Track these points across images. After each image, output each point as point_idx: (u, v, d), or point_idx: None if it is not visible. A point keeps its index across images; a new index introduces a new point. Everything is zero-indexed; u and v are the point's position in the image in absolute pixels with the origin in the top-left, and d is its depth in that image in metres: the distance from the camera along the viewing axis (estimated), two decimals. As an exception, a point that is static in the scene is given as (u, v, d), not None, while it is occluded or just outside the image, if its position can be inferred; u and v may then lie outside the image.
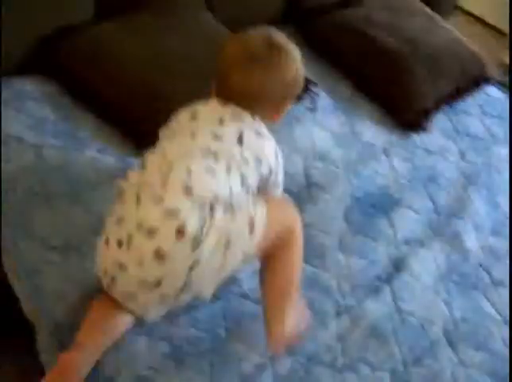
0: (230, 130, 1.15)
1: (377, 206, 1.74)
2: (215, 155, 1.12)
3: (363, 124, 1.98)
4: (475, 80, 2.20)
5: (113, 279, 1.12)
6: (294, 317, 1.26)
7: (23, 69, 1.62)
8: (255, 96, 1.16)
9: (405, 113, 2.02)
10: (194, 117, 1.19)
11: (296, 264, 1.28)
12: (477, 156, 2.01)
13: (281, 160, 1.30)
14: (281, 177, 1.31)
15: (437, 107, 2.08)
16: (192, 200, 1.07)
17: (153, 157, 1.15)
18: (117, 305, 1.16)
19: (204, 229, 1.07)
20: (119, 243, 1.08)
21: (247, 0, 1.94)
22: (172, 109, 1.25)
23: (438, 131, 2.05)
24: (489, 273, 1.66)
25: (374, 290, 1.52)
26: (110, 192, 1.40)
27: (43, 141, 1.50)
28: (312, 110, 1.92)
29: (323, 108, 1.95)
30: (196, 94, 1.25)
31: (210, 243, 1.08)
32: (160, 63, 1.61)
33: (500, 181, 1.94)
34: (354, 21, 2.12)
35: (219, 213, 1.09)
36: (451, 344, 1.46)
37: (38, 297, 1.25)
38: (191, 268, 1.08)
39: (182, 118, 1.20)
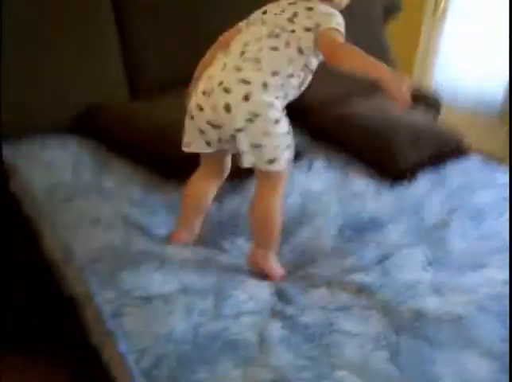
0: (286, 14, 1.57)
1: (367, 226, 1.95)
2: (277, 36, 1.54)
3: (354, 178, 2.27)
4: (454, 151, 2.52)
5: (192, 117, 1.57)
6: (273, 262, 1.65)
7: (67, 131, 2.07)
8: None
9: (392, 170, 2.31)
10: (264, 11, 1.64)
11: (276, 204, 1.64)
12: (463, 197, 2.22)
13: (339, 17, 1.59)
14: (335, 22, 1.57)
15: (421, 166, 2.37)
16: (260, 73, 1.50)
17: (235, 41, 1.61)
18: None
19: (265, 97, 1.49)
20: (204, 93, 1.53)
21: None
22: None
23: (424, 182, 2.32)
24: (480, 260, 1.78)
25: (363, 269, 1.67)
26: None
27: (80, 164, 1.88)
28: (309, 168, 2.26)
29: (318, 167, 2.28)
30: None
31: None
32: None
33: (485, 214, 2.10)
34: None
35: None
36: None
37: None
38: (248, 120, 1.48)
39: (256, 13, 1.66)
